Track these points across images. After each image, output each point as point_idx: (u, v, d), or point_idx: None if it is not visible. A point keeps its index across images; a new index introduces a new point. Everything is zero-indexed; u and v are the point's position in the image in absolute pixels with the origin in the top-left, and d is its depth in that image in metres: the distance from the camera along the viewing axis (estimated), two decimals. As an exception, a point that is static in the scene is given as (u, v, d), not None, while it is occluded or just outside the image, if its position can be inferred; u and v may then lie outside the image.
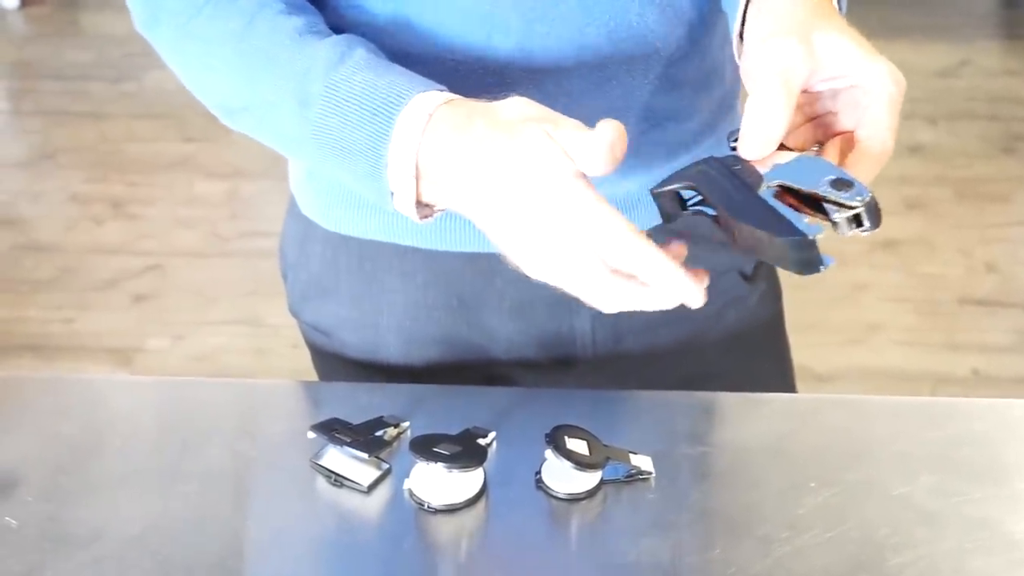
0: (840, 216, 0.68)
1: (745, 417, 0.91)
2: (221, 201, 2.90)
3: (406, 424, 0.88)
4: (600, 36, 0.83)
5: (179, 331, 2.49)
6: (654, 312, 0.96)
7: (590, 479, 0.82)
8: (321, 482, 0.84)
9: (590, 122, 0.86)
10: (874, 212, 0.68)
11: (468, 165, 0.69)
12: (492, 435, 0.86)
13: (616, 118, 0.86)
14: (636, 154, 0.88)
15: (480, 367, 0.97)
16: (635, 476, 0.83)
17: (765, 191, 0.68)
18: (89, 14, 3.84)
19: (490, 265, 0.93)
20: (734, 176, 0.69)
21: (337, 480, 0.83)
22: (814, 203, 0.68)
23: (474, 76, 0.82)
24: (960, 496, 0.82)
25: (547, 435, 0.83)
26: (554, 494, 0.82)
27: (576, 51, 0.83)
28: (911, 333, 2.42)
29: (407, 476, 0.83)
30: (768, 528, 0.80)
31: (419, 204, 0.73)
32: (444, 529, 0.81)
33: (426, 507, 0.81)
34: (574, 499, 0.82)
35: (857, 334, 2.42)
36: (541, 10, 0.81)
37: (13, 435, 0.89)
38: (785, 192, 0.68)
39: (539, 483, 0.83)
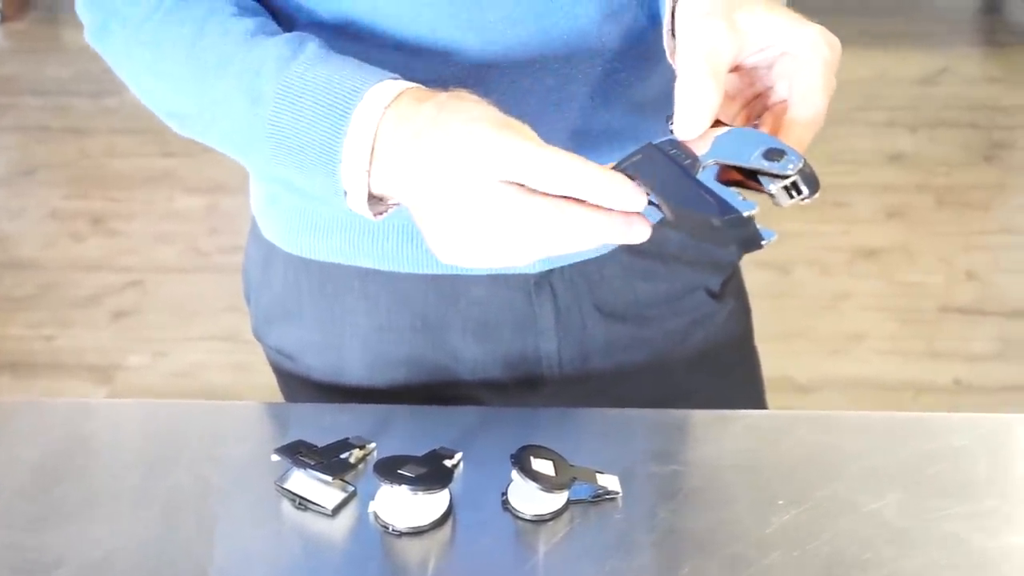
0: (775, 187, 0.67)
1: (715, 435, 0.90)
2: (201, 216, 2.89)
3: (372, 445, 0.87)
4: (559, 59, 0.82)
5: (160, 348, 2.48)
6: (620, 332, 0.97)
7: (556, 500, 0.82)
8: (286, 505, 0.83)
9: (550, 142, 0.86)
10: (810, 179, 0.67)
11: (413, 153, 0.68)
12: (458, 456, 0.86)
13: (575, 138, 0.86)
14: None
15: (446, 389, 0.96)
16: (602, 496, 0.83)
17: (703, 172, 0.67)
18: (69, 29, 3.83)
19: (453, 287, 0.93)
20: (671, 160, 0.68)
21: (302, 503, 0.82)
22: (754, 178, 0.68)
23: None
24: (930, 513, 0.82)
25: (512, 456, 0.82)
26: (520, 515, 0.81)
27: (533, 72, 0.82)
28: (893, 342, 2.42)
29: (372, 499, 0.82)
30: (737, 547, 0.79)
31: (371, 198, 0.72)
32: (410, 552, 0.80)
33: (391, 530, 0.80)
34: (540, 520, 0.81)
35: (839, 343, 2.42)
36: (498, 30, 0.81)
37: (-25, 461, 0.88)
38: (724, 169, 0.68)
39: (505, 504, 0.82)
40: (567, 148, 0.85)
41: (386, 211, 0.74)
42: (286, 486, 0.83)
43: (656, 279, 0.96)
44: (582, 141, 0.86)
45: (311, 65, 0.73)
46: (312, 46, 0.74)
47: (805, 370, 2.33)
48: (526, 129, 0.68)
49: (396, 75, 0.72)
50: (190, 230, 2.85)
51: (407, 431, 0.89)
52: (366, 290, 0.93)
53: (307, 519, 0.82)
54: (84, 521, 0.82)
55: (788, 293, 2.55)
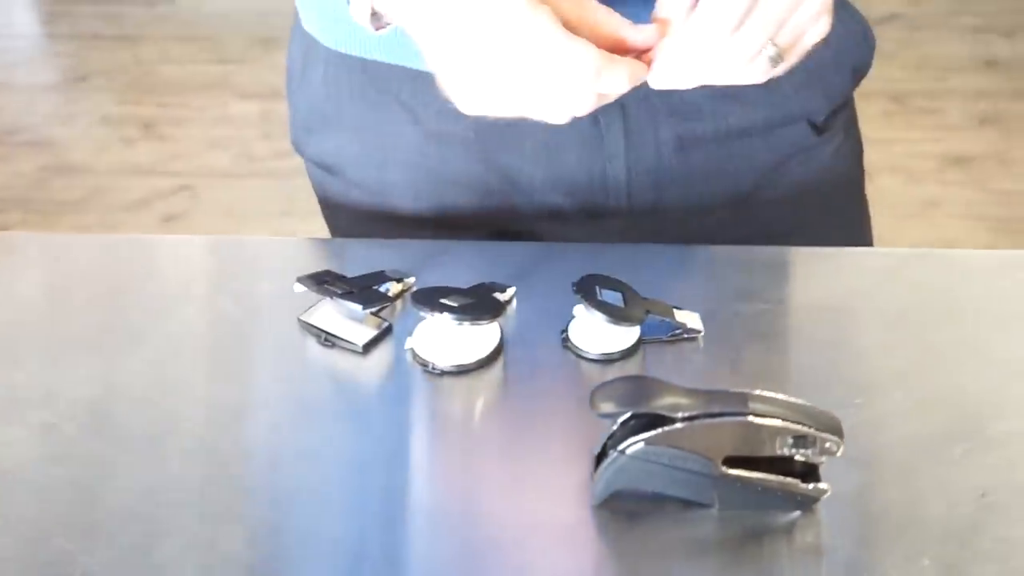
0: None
1: (812, 273, 0.78)
2: (255, 122, 2.79)
3: (411, 280, 0.75)
4: None
5: (209, 252, 2.39)
6: (700, 162, 0.83)
7: (627, 336, 0.69)
8: (311, 343, 0.72)
9: None
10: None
11: None
12: (511, 291, 0.74)
13: None
14: None
15: (501, 217, 0.83)
16: (680, 335, 0.70)
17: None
18: (126, -61, 3.74)
19: None
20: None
21: (328, 339, 0.71)
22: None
23: None
24: (1073, 358, 0.68)
25: (575, 284, 0.70)
26: (584, 354, 0.69)
27: None
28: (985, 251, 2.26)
29: (410, 335, 0.70)
30: (837, 393, 0.66)
31: (374, 13, 0.66)
32: (452, 394, 0.68)
33: (431, 368, 0.69)
34: (607, 360, 0.69)
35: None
36: None
37: (-35, 294, 0.77)
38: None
39: (566, 342, 0.70)
40: None
41: (385, 28, 0.67)
42: (311, 321, 0.72)
43: (748, 103, 0.82)
44: None
45: None
46: None
47: (890, 279, 2.18)
48: None
49: None
50: (243, 135, 2.74)
51: (453, 266, 0.77)
52: (414, 93, 0.81)
53: (334, 357, 0.70)
54: (81, 355, 0.71)
55: (873, 198, 2.38)
